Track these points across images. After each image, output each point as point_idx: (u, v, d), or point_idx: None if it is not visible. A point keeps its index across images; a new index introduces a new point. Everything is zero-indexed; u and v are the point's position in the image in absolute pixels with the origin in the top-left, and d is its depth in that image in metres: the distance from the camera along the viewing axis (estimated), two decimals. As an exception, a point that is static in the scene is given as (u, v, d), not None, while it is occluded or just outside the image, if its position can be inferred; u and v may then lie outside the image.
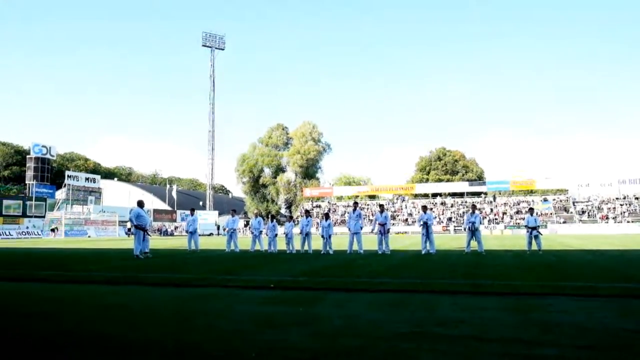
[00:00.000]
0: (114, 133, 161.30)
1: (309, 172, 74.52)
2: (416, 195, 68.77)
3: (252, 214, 41.48)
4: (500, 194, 64.48)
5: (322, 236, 14.87)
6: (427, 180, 75.16)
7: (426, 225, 13.98)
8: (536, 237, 14.23)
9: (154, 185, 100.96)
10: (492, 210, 56.85)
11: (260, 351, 3.21)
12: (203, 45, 73.97)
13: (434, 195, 66.26)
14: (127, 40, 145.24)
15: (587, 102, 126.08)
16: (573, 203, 55.63)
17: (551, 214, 53.78)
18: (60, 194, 58.99)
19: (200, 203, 77.09)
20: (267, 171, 76.16)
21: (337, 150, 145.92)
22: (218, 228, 58.71)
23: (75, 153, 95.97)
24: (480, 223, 15.06)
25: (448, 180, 72.57)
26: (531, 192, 66.21)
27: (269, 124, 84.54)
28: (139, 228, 13.18)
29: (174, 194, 77.48)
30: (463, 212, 55.69)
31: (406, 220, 57.04)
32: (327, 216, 15.59)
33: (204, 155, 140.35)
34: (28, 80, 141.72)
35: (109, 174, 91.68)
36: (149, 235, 13.74)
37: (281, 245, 16.88)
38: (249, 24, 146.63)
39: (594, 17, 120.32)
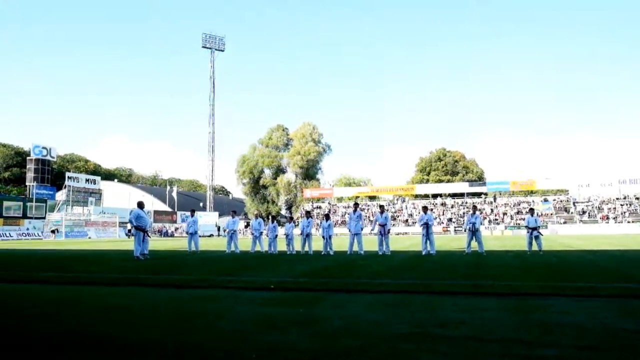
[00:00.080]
0: (114, 134, 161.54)
1: (309, 173, 74.55)
2: (416, 196, 68.75)
3: (253, 215, 41.47)
4: (500, 194, 64.46)
5: (323, 237, 14.87)
6: (428, 181, 75.16)
7: (427, 226, 13.98)
8: (537, 237, 14.22)
9: (154, 186, 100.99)
10: (492, 210, 56.83)
11: (260, 352, 3.21)
12: (203, 47, 74.07)
13: (434, 196, 66.25)
14: (128, 42, 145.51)
15: (587, 102, 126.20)
16: (573, 203, 55.61)
17: (551, 214, 53.76)
18: (61, 196, 59.03)
19: (201, 204, 77.16)
20: (268, 172, 76.19)
21: (337, 151, 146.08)
22: (218, 229, 58.70)
23: (75, 154, 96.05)
24: (481, 224, 15.05)
25: (448, 181, 72.57)
26: (531, 192, 66.22)
27: (269, 125, 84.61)
28: (139, 229, 13.18)
29: (174, 195, 77.53)
30: (463, 213, 55.68)
31: (406, 221, 57.02)
32: (327, 217, 15.59)
33: (204, 157, 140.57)
34: (28, 82, 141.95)
35: (109, 175, 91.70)
36: (148, 236, 13.73)
37: (281, 246, 16.87)
38: (249, 25, 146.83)
39: (594, 17, 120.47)
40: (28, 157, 59.26)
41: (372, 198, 71.34)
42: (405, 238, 35.43)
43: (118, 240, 41.04)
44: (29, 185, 55.56)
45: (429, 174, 78.25)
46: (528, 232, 14.53)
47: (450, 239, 29.45)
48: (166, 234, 58.70)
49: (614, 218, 50.48)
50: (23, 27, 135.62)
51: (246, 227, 57.69)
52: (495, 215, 55.50)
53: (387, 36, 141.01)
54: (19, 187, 70.72)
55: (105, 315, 4.81)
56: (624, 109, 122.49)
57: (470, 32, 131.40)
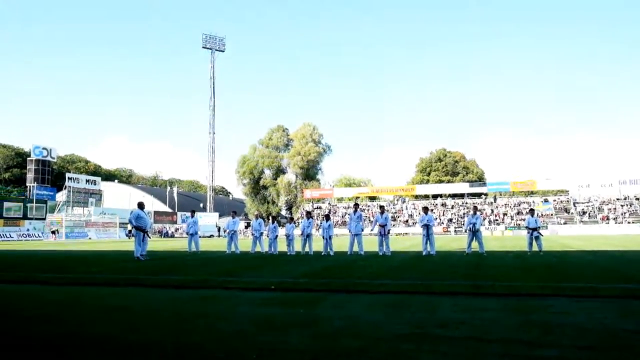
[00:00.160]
0: (115, 135, 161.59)
1: (310, 173, 74.53)
2: (417, 197, 68.74)
3: (253, 215, 41.43)
4: (500, 195, 64.44)
5: (323, 237, 14.87)
6: (428, 181, 75.16)
7: (427, 227, 13.98)
8: (537, 238, 14.21)
9: (155, 187, 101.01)
10: (492, 211, 56.82)
11: (261, 352, 3.21)
12: (203, 47, 74.11)
13: (435, 196, 66.24)
14: (128, 42, 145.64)
15: (587, 102, 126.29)
16: (573, 204, 55.60)
17: (552, 214, 53.74)
18: (61, 196, 59.07)
19: (201, 205, 77.16)
20: (268, 173, 76.18)
21: (338, 152, 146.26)
22: (219, 230, 58.72)
23: (75, 155, 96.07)
24: (481, 224, 15.05)
25: (448, 182, 72.57)
26: (532, 193, 66.20)
27: (269, 126, 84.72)
28: (139, 229, 13.18)
29: (174, 195, 77.52)
30: (464, 213, 55.68)
31: (407, 221, 57.02)
32: (327, 217, 15.59)
33: (204, 157, 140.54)
34: (28, 82, 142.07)
35: (109, 176, 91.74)
36: (149, 237, 13.74)
37: (282, 246, 16.87)
38: (249, 26, 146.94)
39: (594, 18, 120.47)
40: (28, 158, 59.34)
41: (372, 198, 71.32)
42: (406, 238, 35.42)
43: (118, 241, 41.03)
44: (29, 186, 55.62)
45: (429, 174, 78.25)
46: (528, 232, 14.52)
47: (450, 240, 29.44)
48: (166, 235, 58.71)
49: (614, 219, 50.45)
50: (23, 27, 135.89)
51: (246, 227, 57.70)
52: (496, 216, 55.48)
53: (387, 36, 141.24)
54: (19, 187, 70.73)
55: (105, 316, 4.81)
56: (624, 109, 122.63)
57: (470, 32, 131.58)
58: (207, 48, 74.29)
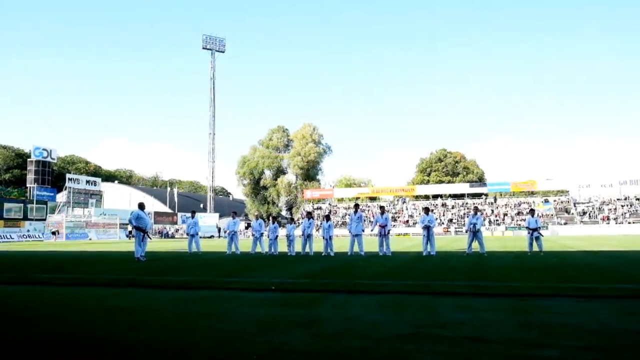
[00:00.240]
0: (115, 135, 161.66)
1: (310, 174, 74.51)
2: (417, 197, 68.72)
3: (253, 216, 41.49)
4: (501, 195, 64.42)
5: (323, 237, 14.87)
6: (428, 181, 75.16)
7: (428, 229, 13.97)
8: (537, 238, 14.21)
9: (155, 187, 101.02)
10: (492, 211, 56.82)
11: (261, 353, 3.21)
12: (203, 48, 74.14)
13: (435, 196, 66.24)
14: (128, 43, 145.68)
15: (588, 102, 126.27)
16: (574, 204, 55.58)
17: (552, 215, 53.72)
18: (61, 197, 59.09)
19: (201, 205, 77.12)
20: (268, 173, 76.16)
21: (338, 152, 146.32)
22: (219, 230, 58.73)
23: (76, 156, 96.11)
24: (482, 225, 15.05)
25: (449, 182, 72.57)
26: (532, 193, 66.15)
27: (270, 126, 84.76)
28: (139, 229, 13.19)
29: (174, 196, 77.54)
30: (464, 214, 55.67)
31: (407, 221, 57.01)
32: (327, 218, 15.60)
33: (204, 158, 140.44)
34: (28, 83, 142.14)
35: (109, 177, 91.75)
36: (149, 238, 13.73)
37: (282, 247, 16.87)
38: (249, 26, 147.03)
39: (594, 18, 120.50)
40: (29, 159, 59.35)
41: (372, 199, 71.31)
42: (406, 239, 35.42)
43: (119, 241, 41.04)
44: (30, 187, 55.63)
45: (429, 174, 78.25)
46: (529, 233, 14.52)
47: (451, 240, 29.44)
48: (167, 235, 58.74)
49: (614, 219, 50.43)
50: (23, 28, 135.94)
51: (247, 228, 57.71)
52: (496, 216, 55.47)
53: (388, 37, 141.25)
54: (19, 188, 70.69)
55: (106, 316, 4.81)
56: (625, 110, 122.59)
57: (470, 34, 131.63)
58: (208, 49, 74.30)
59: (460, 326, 4.01)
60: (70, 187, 56.46)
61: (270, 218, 18.20)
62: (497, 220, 54.37)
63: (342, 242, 21.35)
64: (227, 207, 78.25)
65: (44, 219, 51.47)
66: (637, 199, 53.10)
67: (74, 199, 56.61)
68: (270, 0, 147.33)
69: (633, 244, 20.82)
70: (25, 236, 47.30)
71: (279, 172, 75.69)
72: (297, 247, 16.10)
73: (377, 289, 6.67)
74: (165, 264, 12.39)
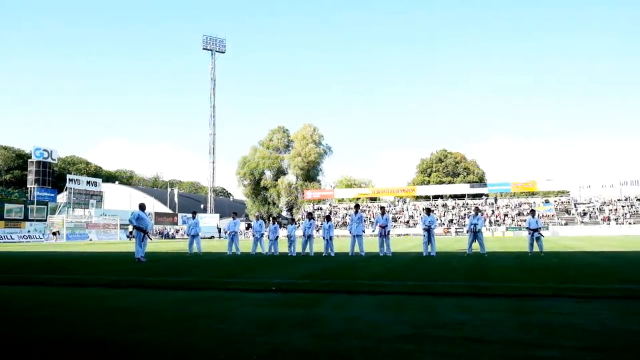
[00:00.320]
0: (115, 136, 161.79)
1: (310, 174, 74.52)
2: (417, 198, 68.72)
3: (254, 216, 41.47)
4: (501, 195, 64.42)
5: (324, 238, 14.88)
6: (429, 182, 75.17)
7: (429, 230, 13.97)
8: (538, 238, 14.21)
9: (155, 188, 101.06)
10: (493, 212, 56.80)
11: (262, 353, 3.21)
12: (204, 49, 74.17)
13: (435, 197, 66.26)
14: (128, 43, 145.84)
15: (588, 102, 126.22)
16: (574, 205, 55.55)
17: (552, 215, 53.70)
18: (62, 198, 59.12)
19: (202, 206, 77.10)
20: (268, 174, 76.19)
21: (338, 153, 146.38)
22: (219, 231, 58.74)
23: (76, 157, 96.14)
24: (483, 225, 15.05)
25: (449, 182, 72.56)
26: (532, 193, 66.14)
27: (270, 127, 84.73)
28: (139, 229, 13.19)
29: (175, 197, 77.55)
30: (464, 214, 55.64)
31: (407, 222, 57.00)
32: (328, 218, 15.60)
33: (205, 158, 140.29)
34: (28, 83, 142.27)
35: (110, 178, 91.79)
36: (149, 238, 13.73)
37: (282, 247, 16.87)
38: (249, 27, 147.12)
39: (594, 18, 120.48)
40: (29, 160, 59.41)
41: (373, 199, 71.31)
42: (406, 239, 35.41)
43: (119, 242, 41.05)
44: (30, 188, 55.66)
45: (429, 175, 78.25)
46: (529, 233, 14.52)
47: (451, 241, 29.42)
48: (167, 236, 58.75)
49: (615, 219, 50.40)
50: (23, 28, 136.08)
51: (247, 228, 57.69)
52: (496, 217, 55.46)
53: (388, 37, 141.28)
54: (20, 189, 70.74)
55: (106, 317, 4.81)
56: (625, 110, 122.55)
57: (470, 34, 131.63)
58: (208, 49, 74.33)
59: (460, 327, 4.00)
60: (71, 188, 56.50)
61: (271, 219, 18.20)
62: (497, 220, 54.36)
63: (342, 242, 21.34)
64: (228, 207, 78.23)
65: (45, 220, 51.48)
66: (638, 200, 53.07)
67: (75, 199, 56.65)
68: (270, 0, 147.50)
69: (634, 244, 20.81)
70: (25, 237, 47.32)
71: (280, 172, 75.70)
72: (298, 247, 16.10)
73: (377, 289, 6.67)
74: (165, 265, 12.40)
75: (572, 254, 14.26)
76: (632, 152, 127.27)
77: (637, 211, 51.26)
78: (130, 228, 40.00)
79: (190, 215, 19.02)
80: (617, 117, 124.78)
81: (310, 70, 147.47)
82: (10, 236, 45.74)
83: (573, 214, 53.74)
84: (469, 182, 69.64)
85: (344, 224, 51.90)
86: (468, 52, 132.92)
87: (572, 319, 4.29)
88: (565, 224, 50.91)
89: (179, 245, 28.20)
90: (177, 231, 62.98)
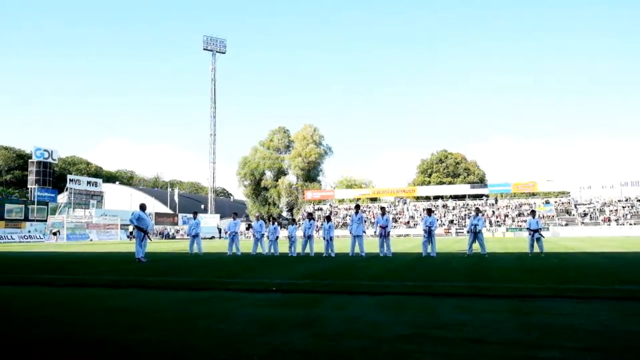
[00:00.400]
0: (116, 136, 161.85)
1: (311, 175, 74.52)
2: (418, 198, 68.71)
3: (254, 217, 41.49)
4: (502, 196, 64.41)
5: (324, 238, 14.88)
6: (429, 182, 75.17)
7: (429, 231, 13.96)
8: (538, 239, 14.20)
9: (156, 188, 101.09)
10: (493, 212, 56.78)
11: (262, 354, 3.21)
12: (204, 49, 74.22)
13: (436, 197, 66.26)
14: (128, 43, 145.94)
15: (588, 102, 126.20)
16: (575, 205, 55.52)
17: (553, 216, 53.68)
18: (62, 198, 59.15)
19: (202, 206, 77.12)
20: (269, 174, 76.18)
21: (339, 153, 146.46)
22: (219, 231, 58.75)
23: (77, 157, 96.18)
24: (483, 226, 15.04)
25: (450, 183, 72.54)
26: (533, 194, 66.14)
27: (270, 127, 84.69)
28: (139, 229, 13.20)
29: (175, 197, 77.56)
30: (465, 215, 55.62)
31: (408, 222, 56.98)
32: (328, 218, 15.60)
33: (205, 159, 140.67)
34: (28, 83, 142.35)
35: (110, 178, 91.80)
36: (149, 239, 13.73)
37: (282, 247, 16.87)
38: (250, 27, 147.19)
39: (594, 18, 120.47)
40: (30, 160, 59.44)
41: (373, 200, 71.30)
42: (407, 240, 35.40)
43: (119, 242, 41.06)
44: (31, 188, 55.69)
45: (430, 175, 78.24)
46: (530, 234, 14.51)
47: (451, 241, 29.41)
48: (167, 236, 58.76)
49: (615, 220, 50.37)
50: (23, 28, 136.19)
51: (247, 229, 57.69)
52: (497, 217, 55.44)
53: (388, 37, 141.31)
54: (20, 189, 70.79)
55: (106, 317, 4.81)
56: (625, 110, 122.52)
57: (470, 34, 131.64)
58: (208, 50, 74.40)
59: (460, 327, 4.00)
60: (72, 188, 56.52)
61: (271, 219, 18.20)
62: (498, 221, 54.33)
63: (342, 243, 21.34)
64: (228, 208, 78.24)
65: (45, 220, 51.50)
66: (638, 200, 53.03)
67: (75, 199, 56.66)
68: (270, 1, 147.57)
69: (634, 245, 20.79)
70: (26, 237, 47.33)
71: (280, 173, 75.69)
72: (298, 248, 16.10)
73: (377, 289, 6.66)
74: (165, 265, 12.40)
75: (573, 255, 14.25)
76: (632, 152, 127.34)
77: (637, 212, 51.23)
78: (131, 228, 40.04)
79: (191, 215, 19.03)
80: (617, 117, 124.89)
81: (310, 70, 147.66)
82: (11, 236, 45.76)
83: (573, 215, 53.71)
84: (469, 183, 69.63)
85: (344, 225, 51.90)
86: (468, 52, 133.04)
87: (573, 320, 4.29)
88: (566, 224, 50.88)
89: (180, 245, 28.20)
90: (177, 231, 62.99)
